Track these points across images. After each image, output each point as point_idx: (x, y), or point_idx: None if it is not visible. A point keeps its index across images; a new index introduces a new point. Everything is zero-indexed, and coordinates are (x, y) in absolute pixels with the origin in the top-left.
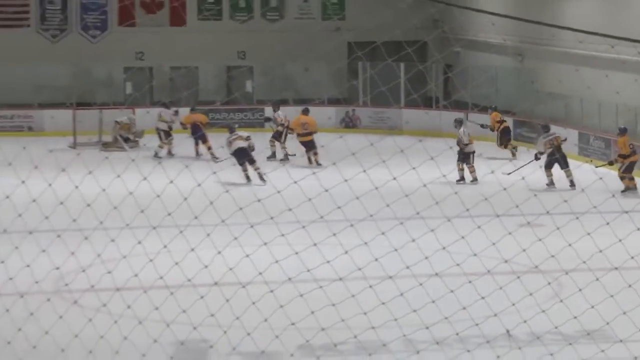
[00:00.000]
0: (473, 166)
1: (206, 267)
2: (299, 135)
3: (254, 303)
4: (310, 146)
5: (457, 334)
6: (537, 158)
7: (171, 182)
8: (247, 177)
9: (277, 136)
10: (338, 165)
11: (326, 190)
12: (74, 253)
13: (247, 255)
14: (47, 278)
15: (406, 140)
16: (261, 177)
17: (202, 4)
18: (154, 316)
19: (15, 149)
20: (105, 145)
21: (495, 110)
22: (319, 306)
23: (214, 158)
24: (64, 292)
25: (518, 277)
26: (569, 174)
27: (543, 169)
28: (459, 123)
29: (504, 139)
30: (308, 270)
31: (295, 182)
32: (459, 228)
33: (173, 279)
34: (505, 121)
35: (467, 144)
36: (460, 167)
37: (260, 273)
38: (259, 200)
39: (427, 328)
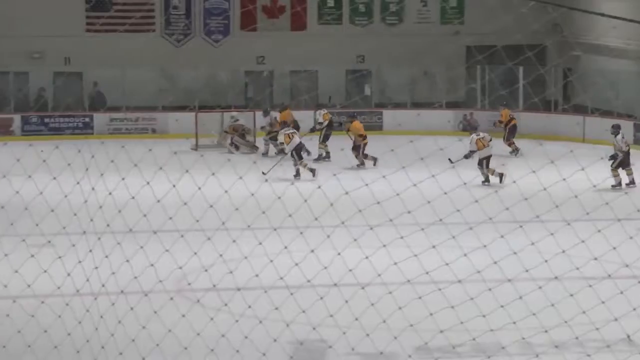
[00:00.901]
0: (630, 169)
1: (325, 268)
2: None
3: (372, 304)
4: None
5: (576, 337)
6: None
7: (292, 184)
8: (298, 173)
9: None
10: (457, 168)
11: (445, 193)
12: (196, 253)
13: (367, 257)
14: (170, 277)
15: (526, 144)
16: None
17: (323, 9)
18: (273, 316)
19: (141, 150)
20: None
21: (506, 108)
22: (437, 308)
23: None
24: (187, 292)
25: (639, 282)
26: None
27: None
28: (616, 129)
29: (510, 135)
30: (427, 273)
31: (415, 185)
32: (578, 231)
33: (293, 280)
34: (514, 119)
35: (624, 150)
36: (617, 172)
37: (379, 274)
38: (378, 203)
39: (545, 331)
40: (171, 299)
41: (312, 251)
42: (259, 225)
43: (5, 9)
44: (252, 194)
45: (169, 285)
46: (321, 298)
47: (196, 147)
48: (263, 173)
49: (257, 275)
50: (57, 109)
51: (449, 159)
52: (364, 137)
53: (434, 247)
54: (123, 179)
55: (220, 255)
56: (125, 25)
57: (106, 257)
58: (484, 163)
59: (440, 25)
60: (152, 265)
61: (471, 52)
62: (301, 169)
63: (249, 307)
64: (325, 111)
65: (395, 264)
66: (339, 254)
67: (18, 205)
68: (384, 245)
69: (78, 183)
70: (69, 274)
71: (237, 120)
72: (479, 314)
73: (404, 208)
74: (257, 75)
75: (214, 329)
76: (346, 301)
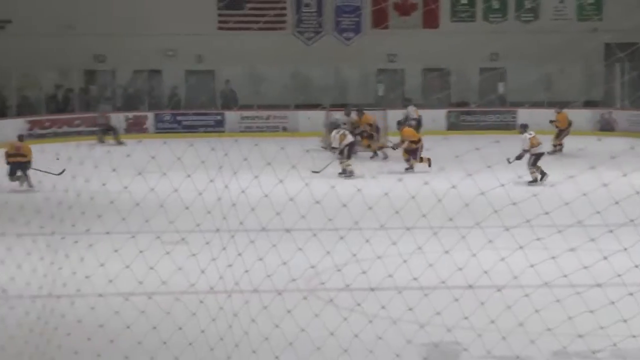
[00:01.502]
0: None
1: (460, 269)
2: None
3: (509, 307)
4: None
5: None
6: None
7: (426, 183)
8: (352, 172)
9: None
10: (598, 169)
11: (584, 195)
12: (329, 252)
13: (503, 259)
14: (303, 276)
15: None
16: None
17: (456, 6)
18: (407, 317)
19: (273, 149)
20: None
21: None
22: (575, 312)
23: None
24: (320, 291)
25: None
26: None
27: None
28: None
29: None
30: (565, 276)
31: (552, 186)
32: None
33: (427, 281)
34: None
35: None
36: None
37: (516, 277)
38: (514, 204)
39: None
40: (304, 298)
41: (447, 252)
42: (393, 225)
43: (140, 8)
44: (386, 194)
45: (302, 284)
46: (456, 300)
47: (327, 146)
48: (314, 172)
49: (390, 276)
50: (190, 107)
51: (507, 159)
52: (418, 141)
53: (572, 249)
54: (256, 177)
55: (354, 255)
56: (259, 24)
57: (239, 255)
58: (532, 159)
59: (577, 22)
60: (285, 263)
61: (610, 49)
62: (348, 168)
63: (383, 307)
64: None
65: (532, 266)
66: (474, 255)
67: (153, 203)
68: (521, 247)
69: (212, 181)
70: (202, 272)
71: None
72: (620, 318)
73: (541, 209)
74: (389, 73)
75: (347, 329)
76: (482, 303)
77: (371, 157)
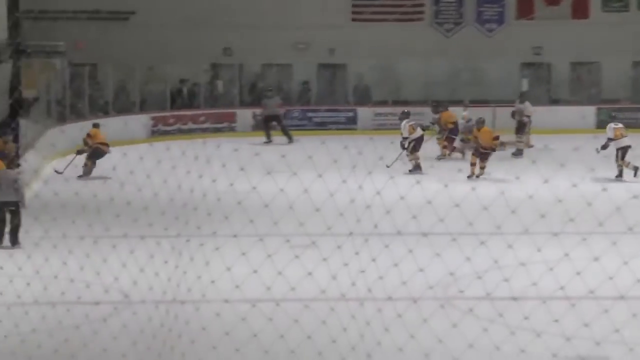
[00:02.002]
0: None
1: (611, 278)
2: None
3: None
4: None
5: None
6: None
7: (574, 185)
8: (418, 166)
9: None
10: None
11: None
12: (469, 258)
13: None
14: (440, 283)
15: None
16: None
17: None
18: (553, 329)
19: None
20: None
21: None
22: None
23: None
24: (458, 299)
25: None
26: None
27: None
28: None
29: None
30: None
31: None
32: None
33: (574, 290)
34: None
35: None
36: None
37: None
38: None
39: None
40: (442, 306)
41: (596, 259)
42: (537, 230)
43: (274, 1)
44: (530, 196)
45: (439, 292)
46: (606, 311)
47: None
48: (387, 166)
49: (535, 284)
50: (321, 102)
51: (597, 149)
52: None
53: None
54: (392, 177)
55: (495, 261)
56: (395, 15)
57: (373, 260)
58: (619, 154)
59: None
60: (421, 270)
61: None
62: (414, 163)
63: (526, 318)
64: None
65: None
66: (626, 263)
67: (282, 204)
68: None
69: (344, 181)
70: (334, 277)
71: (469, 120)
72: None
73: None
74: (534, 67)
75: (488, 341)
76: (634, 315)
77: (438, 158)
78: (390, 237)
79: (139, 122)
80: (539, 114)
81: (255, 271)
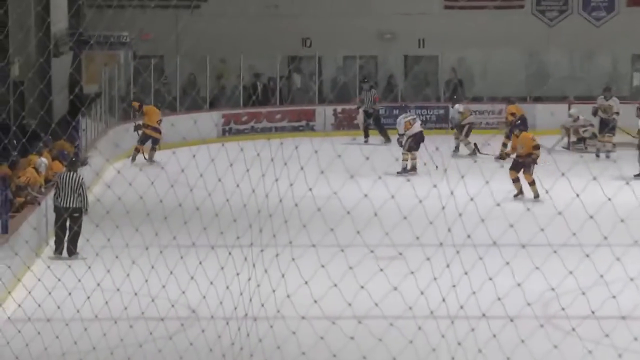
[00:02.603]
0: None
1: None
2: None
3: None
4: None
5: None
6: None
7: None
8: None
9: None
10: None
11: None
12: (572, 272)
13: None
14: (540, 300)
15: None
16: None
17: None
18: None
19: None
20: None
21: None
22: None
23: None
24: (559, 318)
25: None
26: None
27: None
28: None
29: None
30: None
31: None
32: None
33: None
34: None
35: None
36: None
37: None
38: None
39: None
40: (541, 326)
41: None
42: None
43: None
44: None
45: (538, 310)
46: None
47: (569, 146)
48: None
49: None
50: (408, 98)
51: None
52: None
53: None
54: (487, 182)
55: (601, 276)
56: (494, 1)
57: (465, 274)
58: None
59: None
60: (519, 285)
61: None
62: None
63: (635, 339)
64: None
65: None
66: None
67: (366, 211)
68: None
69: (435, 186)
70: (422, 293)
71: (578, 118)
72: None
73: None
74: None
75: None
76: None
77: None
78: (484, 249)
79: (209, 119)
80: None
81: (335, 285)
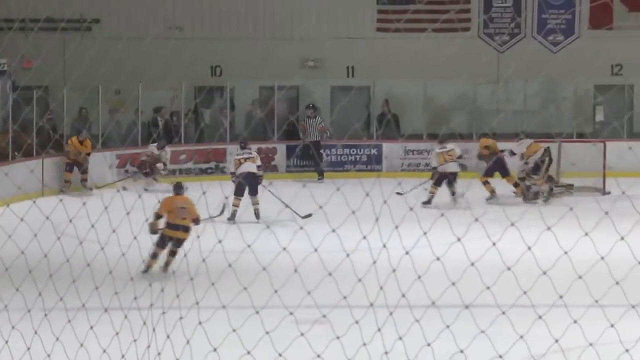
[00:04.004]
0: None
1: None
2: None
3: None
4: None
5: None
6: None
7: None
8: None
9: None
10: None
11: None
12: (522, 337)
13: None
14: None
15: None
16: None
17: None
18: None
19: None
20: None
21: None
22: None
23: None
24: None
25: None
26: None
27: None
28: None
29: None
30: None
31: None
32: None
33: None
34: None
35: None
36: None
37: None
38: None
39: None
40: None
41: None
42: (611, 302)
43: (269, 5)
44: (602, 258)
45: None
46: None
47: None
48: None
49: None
50: (335, 135)
51: None
52: None
53: None
54: (425, 233)
55: (556, 341)
56: (435, 24)
57: (400, 339)
58: None
59: None
60: (461, 351)
61: None
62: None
63: None
64: None
65: None
66: None
67: (285, 267)
68: None
69: (365, 237)
70: None
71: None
72: None
73: None
74: (613, 91)
75: None
76: None
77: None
78: (421, 310)
79: (102, 161)
80: (615, 150)
81: (248, 352)
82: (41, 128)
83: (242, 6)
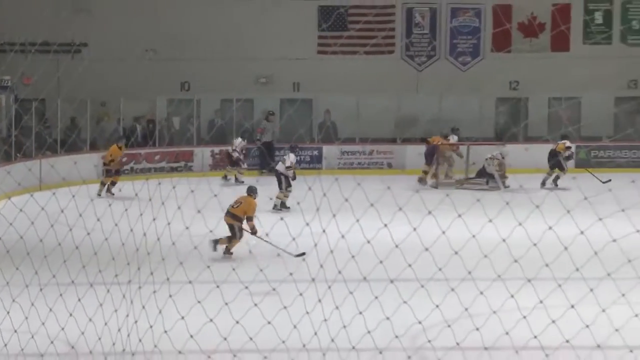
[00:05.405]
0: None
1: (588, 326)
2: None
3: None
4: None
5: None
6: None
7: (550, 228)
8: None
9: None
10: None
11: None
12: (438, 306)
13: (637, 315)
14: (407, 333)
15: None
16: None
17: (590, 27)
18: None
19: (377, 188)
20: (459, 182)
21: None
22: None
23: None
24: (426, 350)
25: None
26: None
27: None
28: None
29: None
30: None
31: None
32: None
33: (549, 339)
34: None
35: None
36: None
37: None
38: None
39: None
40: (408, 357)
41: (573, 307)
42: (511, 276)
43: (230, 30)
44: (504, 240)
45: (406, 342)
46: None
47: (436, 185)
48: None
49: (507, 333)
50: (283, 139)
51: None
52: None
53: None
54: (358, 220)
55: (466, 309)
56: (366, 47)
57: (337, 308)
58: None
59: None
60: (387, 318)
61: None
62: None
63: None
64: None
65: None
66: (603, 310)
67: (241, 249)
68: None
69: (307, 224)
70: (295, 327)
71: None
72: None
73: None
74: (511, 103)
75: None
76: None
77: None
78: (355, 284)
79: (89, 161)
80: (514, 152)
81: (211, 320)
82: (38, 134)
83: (206, 32)
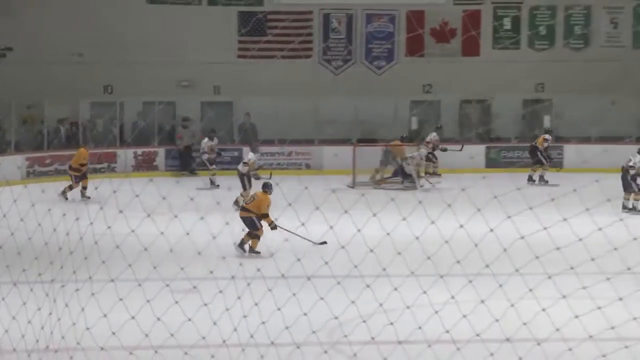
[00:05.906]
0: None
1: (497, 320)
2: None
3: None
4: None
5: None
6: None
7: (461, 226)
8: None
9: None
10: None
11: (635, 239)
12: (354, 302)
13: (544, 309)
14: (324, 328)
15: None
16: None
17: (499, 32)
18: None
19: (295, 188)
20: (377, 182)
21: None
22: None
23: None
24: (343, 344)
25: None
26: None
27: None
28: None
29: None
30: (612, 328)
31: (600, 229)
32: None
33: (460, 333)
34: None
35: None
36: None
37: (558, 329)
38: (557, 249)
39: None
40: (325, 352)
41: (483, 302)
42: (424, 272)
43: (152, 34)
44: (417, 237)
45: (323, 337)
46: (492, 354)
47: (353, 185)
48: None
49: (420, 328)
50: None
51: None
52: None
53: (620, 299)
54: (276, 219)
55: (380, 305)
56: (283, 52)
57: (256, 304)
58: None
59: (633, 50)
60: (305, 314)
61: None
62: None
63: None
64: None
65: (577, 317)
66: (512, 305)
67: (163, 247)
68: (564, 296)
69: (227, 223)
70: (215, 323)
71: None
72: None
73: (587, 255)
74: (424, 105)
75: None
76: (520, 358)
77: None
78: (273, 281)
79: (13, 163)
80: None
81: (133, 317)
82: None
83: (129, 35)
